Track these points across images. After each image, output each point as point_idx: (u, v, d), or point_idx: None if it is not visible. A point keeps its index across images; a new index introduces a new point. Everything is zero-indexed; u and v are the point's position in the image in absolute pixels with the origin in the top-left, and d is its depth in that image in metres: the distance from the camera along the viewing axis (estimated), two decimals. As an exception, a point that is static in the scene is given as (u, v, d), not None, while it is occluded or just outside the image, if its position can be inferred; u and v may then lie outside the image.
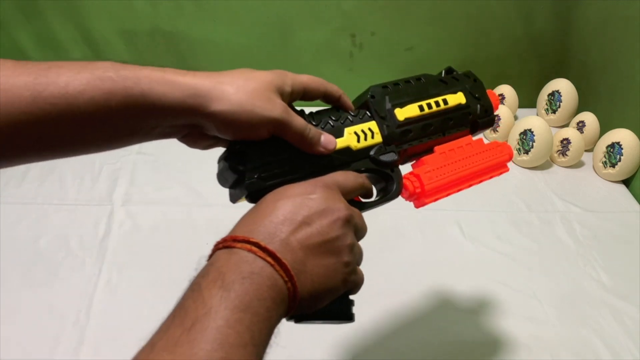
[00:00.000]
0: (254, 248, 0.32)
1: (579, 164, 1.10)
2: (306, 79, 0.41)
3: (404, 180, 0.45)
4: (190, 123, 0.36)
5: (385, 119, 0.44)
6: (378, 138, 0.43)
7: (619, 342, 0.72)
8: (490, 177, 0.50)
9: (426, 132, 0.46)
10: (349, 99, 0.45)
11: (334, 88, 0.43)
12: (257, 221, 0.34)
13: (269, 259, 0.32)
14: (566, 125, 1.19)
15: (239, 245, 0.32)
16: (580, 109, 1.18)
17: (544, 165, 1.09)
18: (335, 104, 0.44)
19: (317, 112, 0.43)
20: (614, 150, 1.03)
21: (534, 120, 1.05)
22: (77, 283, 0.74)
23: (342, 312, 0.38)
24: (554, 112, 1.20)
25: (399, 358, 0.68)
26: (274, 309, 0.31)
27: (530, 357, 0.69)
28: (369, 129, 0.43)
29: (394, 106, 0.45)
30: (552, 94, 1.19)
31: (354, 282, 0.38)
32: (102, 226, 0.85)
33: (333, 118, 0.42)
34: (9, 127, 0.31)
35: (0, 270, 0.75)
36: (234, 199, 0.41)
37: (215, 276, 0.30)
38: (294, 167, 0.39)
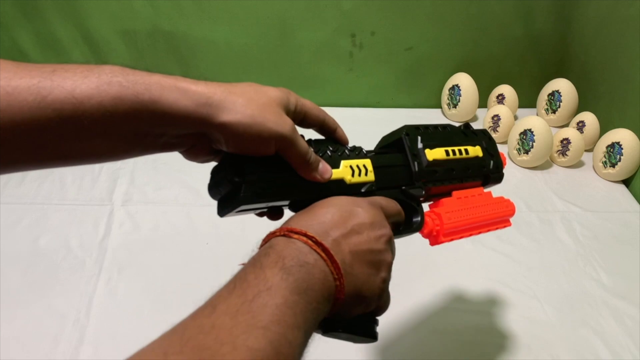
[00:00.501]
0: (309, 241, 0.33)
1: (579, 164, 1.10)
2: (309, 104, 0.41)
3: (425, 217, 0.47)
4: (197, 133, 0.34)
5: (417, 156, 0.47)
6: (371, 176, 0.43)
7: (619, 342, 0.72)
8: (496, 229, 0.53)
9: (449, 175, 0.49)
10: (344, 133, 0.45)
11: (331, 120, 0.43)
12: (310, 220, 0.35)
13: (323, 254, 0.33)
14: (566, 125, 1.19)
15: (296, 236, 0.33)
16: (580, 109, 1.18)
17: (544, 165, 1.09)
18: (330, 136, 0.44)
19: (315, 140, 0.43)
20: (614, 150, 1.03)
21: (534, 120, 1.05)
22: (77, 283, 0.74)
23: (368, 329, 0.39)
24: (554, 112, 1.20)
25: (398, 358, 0.68)
26: (322, 302, 0.32)
27: (530, 357, 0.69)
28: (364, 166, 0.43)
29: (425, 147, 0.48)
30: (552, 94, 1.19)
31: (384, 301, 0.39)
32: (102, 226, 0.85)
33: (331, 148, 0.42)
34: (9, 133, 0.28)
35: (0, 270, 0.75)
36: (223, 212, 0.39)
37: (275, 258, 0.31)
38: (288, 189, 0.39)
